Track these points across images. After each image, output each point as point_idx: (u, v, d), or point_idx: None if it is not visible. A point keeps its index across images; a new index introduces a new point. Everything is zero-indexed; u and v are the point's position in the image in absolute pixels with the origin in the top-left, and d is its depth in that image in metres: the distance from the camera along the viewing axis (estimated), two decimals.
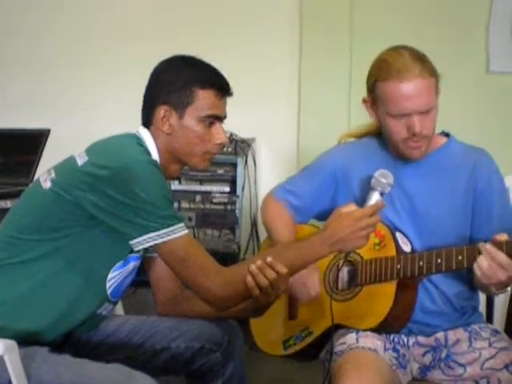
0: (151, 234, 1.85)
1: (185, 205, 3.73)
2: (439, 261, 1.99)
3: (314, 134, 3.76)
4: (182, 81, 1.95)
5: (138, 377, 1.76)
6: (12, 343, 1.74)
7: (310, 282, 2.14)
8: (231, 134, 3.62)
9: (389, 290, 2.07)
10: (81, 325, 1.95)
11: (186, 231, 1.89)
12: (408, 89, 2.01)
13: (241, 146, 3.72)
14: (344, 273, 2.18)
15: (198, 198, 3.73)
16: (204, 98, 1.95)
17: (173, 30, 3.84)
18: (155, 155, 1.96)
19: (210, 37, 3.82)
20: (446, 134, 2.21)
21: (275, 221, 2.28)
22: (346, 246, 1.92)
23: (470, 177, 2.12)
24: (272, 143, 3.92)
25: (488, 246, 1.91)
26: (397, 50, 2.08)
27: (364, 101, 2.15)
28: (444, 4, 3.68)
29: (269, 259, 1.86)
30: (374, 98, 2.09)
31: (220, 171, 3.72)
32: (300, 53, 3.80)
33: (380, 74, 2.05)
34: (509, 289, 2.01)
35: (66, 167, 1.95)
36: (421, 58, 2.05)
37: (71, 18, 3.92)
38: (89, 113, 3.86)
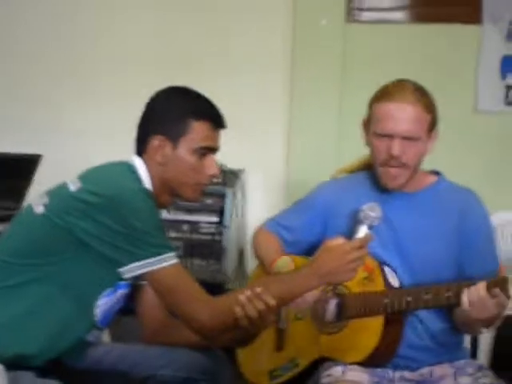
0: (141, 262, 1.86)
1: (172, 234, 3.72)
2: (427, 297, 2.01)
3: (304, 166, 3.79)
4: (177, 112, 1.97)
5: None
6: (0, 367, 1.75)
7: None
8: (221, 165, 3.63)
9: (376, 324, 2.08)
10: (68, 351, 1.95)
11: (176, 260, 1.90)
12: (396, 110, 2.08)
13: (230, 177, 3.73)
14: (332, 305, 2.19)
15: (185, 227, 3.73)
16: (198, 130, 1.98)
17: (162, 60, 3.86)
18: (148, 184, 1.98)
19: (200, 67, 3.84)
20: (437, 173, 2.25)
21: (267, 248, 2.30)
22: (335, 278, 1.94)
23: (459, 217, 2.15)
24: (261, 175, 3.93)
25: (480, 283, 1.93)
26: (402, 80, 2.16)
27: (363, 122, 2.20)
28: (434, 45, 3.74)
29: (258, 290, 1.87)
30: (368, 119, 2.15)
31: (208, 201, 3.73)
32: (291, 84, 3.84)
33: (377, 95, 2.14)
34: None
35: (59, 193, 1.96)
36: (421, 91, 2.12)
37: (66, 46, 3.94)
38: (81, 140, 3.87)
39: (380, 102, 2.12)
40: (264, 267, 2.28)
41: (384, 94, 2.12)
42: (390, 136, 2.09)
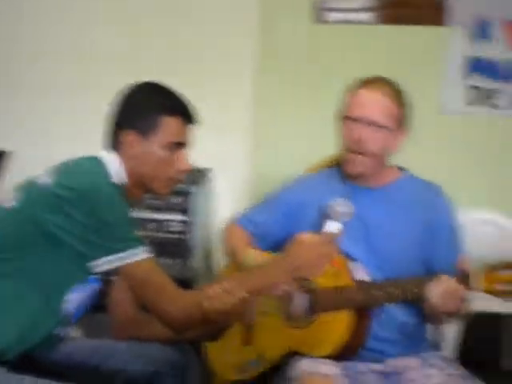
0: (112, 257, 1.87)
1: (138, 233, 3.71)
2: (395, 292, 2.05)
3: (270, 165, 3.81)
4: (149, 107, 1.98)
5: None
6: None
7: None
8: None
9: (344, 318, 2.11)
10: (39, 345, 1.95)
11: (148, 254, 1.92)
12: (366, 97, 2.14)
13: (197, 176, 3.74)
14: (300, 300, 2.22)
15: (152, 226, 3.73)
16: (170, 125, 1.99)
17: (132, 57, 3.86)
18: (118, 179, 1.98)
19: (168, 66, 3.85)
20: (402, 169, 2.29)
21: (237, 242, 2.32)
22: (305, 272, 1.96)
23: (426, 212, 2.20)
24: (228, 174, 3.95)
25: (443, 276, 1.97)
26: (382, 76, 2.21)
27: (338, 113, 2.24)
28: (399, 46, 3.79)
29: (228, 284, 1.89)
30: (342, 107, 2.20)
31: (175, 200, 3.73)
32: (257, 85, 3.86)
33: (353, 84, 2.20)
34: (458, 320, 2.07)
35: (30, 187, 1.95)
36: (395, 87, 2.18)
37: (34, 43, 3.93)
38: (52, 137, 3.85)
39: (354, 89, 2.18)
40: (233, 260, 2.29)
41: (359, 83, 2.19)
42: (357, 120, 2.12)
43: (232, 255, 2.34)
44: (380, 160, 2.18)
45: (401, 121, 2.16)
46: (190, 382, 2.13)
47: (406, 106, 2.18)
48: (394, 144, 2.18)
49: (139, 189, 2.04)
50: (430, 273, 2.12)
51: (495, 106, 3.78)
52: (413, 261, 2.17)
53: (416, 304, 2.14)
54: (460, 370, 2.14)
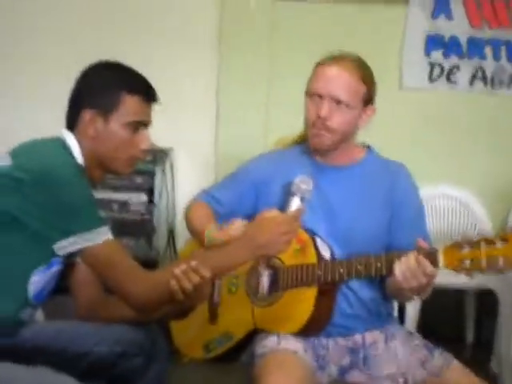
0: (74, 238, 1.85)
1: (101, 213, 3.69)
2: (359, 267, 2.05)
3: (232, 143, 3.81)
4: (109, 85, 1.96)
5: (62, 379, 1.75)
6: None
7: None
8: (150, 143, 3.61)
9: (309, 295, 2.12)
10: (2, 328, 1.92)
11: (110, 235, 1.91)
12: (331, 73, 2.12)
13: (159, 156, 3.73)
14: (265, 278, 2.22)
15: (114, 206, 3.71)
16: (130, 104, 1.96)
17: (94, 36, 3.82)
18: (79, 159, 1.96)
19: (129, 44, 3.81)
20: (368, 147, 2.29)
21: (200, 216, 2.27)
22: (269, 250, 1.97)
23: (390, 190, 2.20)
24: (190, 153, 3.94)
25: (410, 252, 1.98)
26: (348, 53, 2.19)
27: (306, 92, 2.22)
28: (359, 21, 3.80)
29: (193, 263, 1.88)
30: (308, 83, 2.19)
31: (138, 180, 3.71)
32: (219, 63, 3.85)
33: (320, 60, 2.18)
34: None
35: None
36: (362, 64, 2.17)
37: None
38: (7, 118, 3.81)
39: (320, 65, 2.17)
40: (196, 237, 2.27)
41: (326, 59, 2.17)
42: (320, 96, 2.12)
43: (193, 232, 2.30)
44: (344, 137, 2.17)
45: (366, 99, 2.16)
46: (158, 361, 2.12)
47: (372, 84, 2.17)
48: (359, 122, 2.18)
49: (99, 169, 2.01)
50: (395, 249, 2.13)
51: (455, 83, 3.81)
52: (375, 240, 2.17)
53: (382, 280, 2.16)
54: (423, 341, 2.17)
